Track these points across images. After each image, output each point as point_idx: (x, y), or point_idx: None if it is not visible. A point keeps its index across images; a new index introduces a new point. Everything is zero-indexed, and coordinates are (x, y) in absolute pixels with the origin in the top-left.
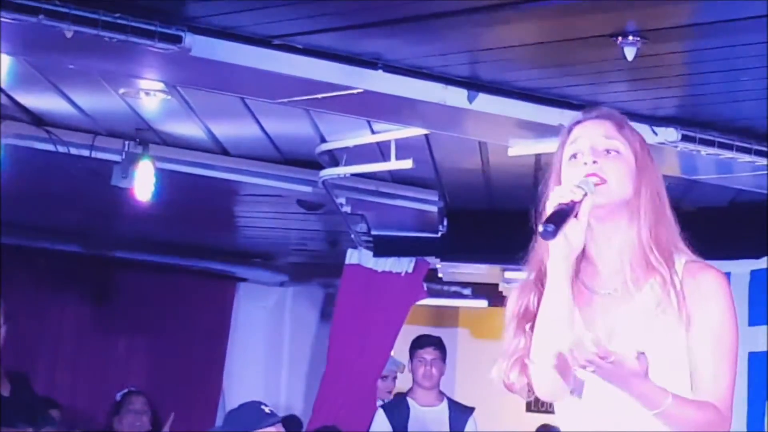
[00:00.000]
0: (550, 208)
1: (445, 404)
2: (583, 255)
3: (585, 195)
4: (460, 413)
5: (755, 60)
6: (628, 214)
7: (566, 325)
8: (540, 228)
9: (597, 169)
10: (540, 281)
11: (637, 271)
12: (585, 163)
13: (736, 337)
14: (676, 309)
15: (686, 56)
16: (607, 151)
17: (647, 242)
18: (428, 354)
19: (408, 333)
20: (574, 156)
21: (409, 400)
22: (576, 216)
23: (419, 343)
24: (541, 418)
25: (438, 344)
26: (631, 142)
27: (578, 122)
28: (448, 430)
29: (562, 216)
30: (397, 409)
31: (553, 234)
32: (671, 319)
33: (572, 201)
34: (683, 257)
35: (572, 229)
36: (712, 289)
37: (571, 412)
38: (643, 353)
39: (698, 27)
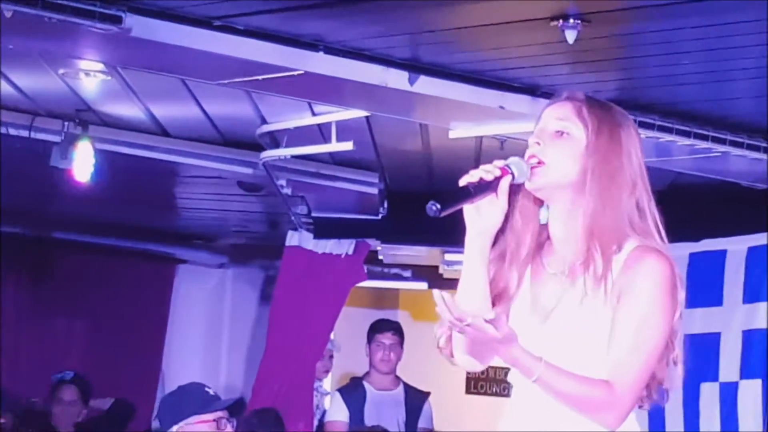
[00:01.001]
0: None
1: (401, 389)
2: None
3: (510, 174)
4: (416, 397)
5: (695, 43)
6: (573, 197)
7: (474, 298)
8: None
9: (537, 151)
10: (503, 256)
11: (579, 254)
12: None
13: (662, 328)
14: (606, 296)
15: (626, 39)
16: (558, 133)
17: (588, 228)
18: (387, 339)
19: (348, 315)
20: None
21: (366, 384)
22: (495, 194)
23: (378, 327)
24: (481, 400)
25: (397, 329)
26: (587, 124)
27: (547, 105)
28: (404, 414)
29: (458, 195)
30: (354, 393)
31: (438, 212)
32: (602, 305)
33: (482, 179)
34: (635, 242)
35: (489, 206)
36: (645, 274)
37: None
38: (493, 319)
39: (638, 10)
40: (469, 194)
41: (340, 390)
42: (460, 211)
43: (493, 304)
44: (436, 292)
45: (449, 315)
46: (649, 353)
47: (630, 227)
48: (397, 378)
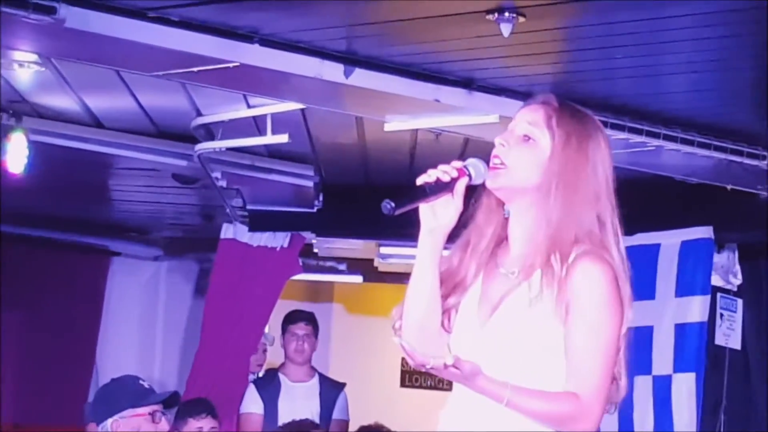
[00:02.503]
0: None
1: (316, 380)
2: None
3: (467, 175)
4: (330, 389)
5: (629, 38)
6: (533, 202)
7: (423, 295)
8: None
9: (501, 152)
10: (464, 249)
11: (532, 258)
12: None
13: (613, 331)
14: (555, 303)
15: (561, 33)
16: (524, 138)
17: (546, 234)
18: (300, 329)
19: (283, 308)
20: None
21: (281, 375)
22: (451, 194)
23: (291, 318)
24: (415, 393)
25: (310, 319)
26: (555, 132)
27: (523, 106)
28: (318, 405)
29: (413, 194)
30: (269, 385)
31: (392, 210)
32: (549, 310)
33: (438, 180)
34: (582, 248)
35: (444, 206)
36: (590, 281)
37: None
38: (455, 361)
39: (573, 4)
40: (425, 194)
41: (254, 382)
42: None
43: (450, 294)
44: (396, 339)
45: (411, 362)
46: (606, 358)
47: (588, 239)
48: (312, 369)
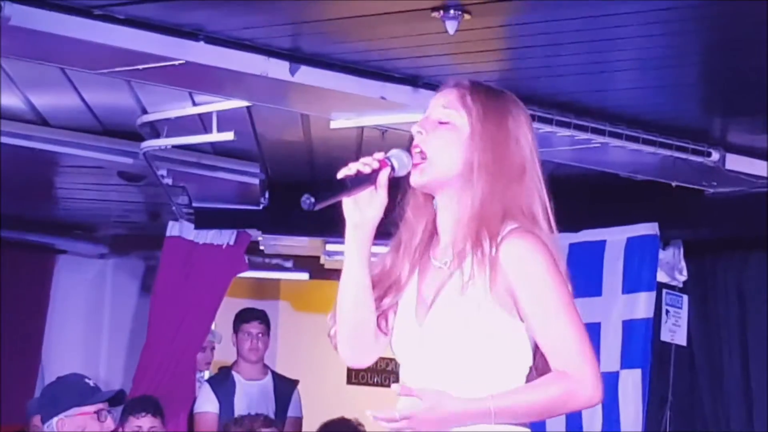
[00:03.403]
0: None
1: (269, 377)
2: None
3: (390, 167)
4: (284, 386)
5: (574, 35)
6: (459, 187)
7: (354, 292)
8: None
9: (420, 140)
10: (396, 249)
11: (461, 243)
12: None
13: (568, 296)
14: (487, 287)
15: (507, 31)
16: (440, 122)
17: (471, 214)
18: (254, 328)
19: (229, 305)
20: None
21: (235, 374)
22: (374, 187)
23: (244, 317)
24: (362, 390)
25: (263, 318)
26: (471, 112)
27: (436, 93)
28: (273, 403)
29: (334, 188)
30: (223, 384)
31: (312, 206)
32: (484, 294)
33: (359, 172)
34: (510, 226)
35: (367, 199)
36: (525, 257)
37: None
38: (407, 390)
39: (519, 2)
40: (346, 187)
41: (209, 381)
42: (339, 202)
43: (386, 295)
44: (369, 412)
45: (389, 427)
46: (573, 322)
47: (519, 214)
48: (266, 367)
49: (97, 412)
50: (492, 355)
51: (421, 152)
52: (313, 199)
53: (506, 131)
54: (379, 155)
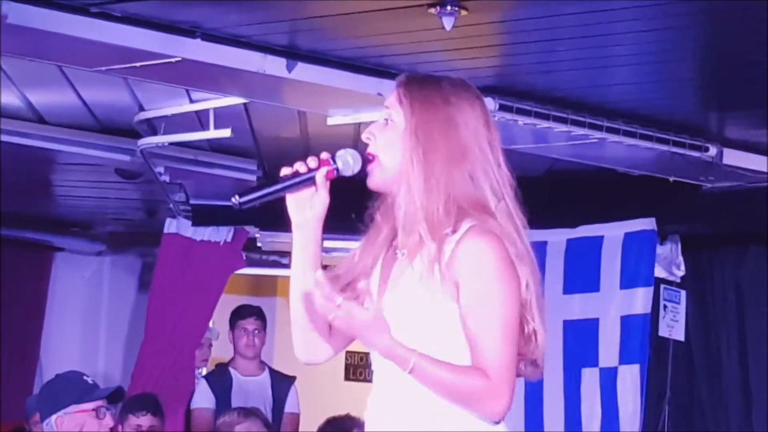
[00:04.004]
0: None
1: (266, 374)
2: None
3: (332, 166)
4: (281, 382)
5: (571, 30)
6: (404, 182)
7: (296, 291)
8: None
9: (370, 144)
10: (362, 246)
11: (408, 235)
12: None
13: (509, 304)
14: (440, 279)
15: (504, 26)
16: (384, 122)
17: (414, 211)
18: (250, 324)
19: (226, 302)
20: None
21: (232, 370)
22: (315, 186)
23: (240, 313)
24: (360, 387)
25: (259, 314)
26: (405, 106)
27: None
28: (270, 399)
29: (262, 187)
30: (220, 380)
31: (239, 205)
32: (436, 289)
33: (296, 171)
34: (469, 222)
35: (307, 198)
36: (476, 258)
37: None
38: (380, 310)
39: None
40: (275, 185)
41: (206, 377)
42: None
43: (346, 290)
44: (318, 272)
45: (320, 293)
46: (506, 332)
47: (462, 205)
48: (262, 363)
49: (96, 410)
50: (444, 347)
51: (371, 155)
52: (240, 199)
53: (441, 120)
54: (325, 155)
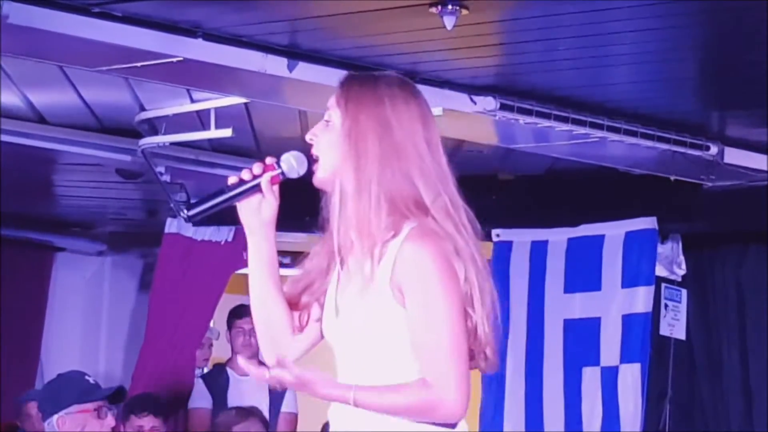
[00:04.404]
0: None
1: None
2: None
3: (276, 169)
4: None
5: (572, 29)
6: (337, 184)
7: (257, 299)
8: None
9: (314, 145)
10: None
11: (344, 241)
12: None
13: (450, 307)
14: (382, 287)
15: (504, 25)
16: (325, 123)
17: (346, 215)
18: (247, 324)
19: (228, 302)
20: None
21: (229, 370)
22: (261, 192)
23: (237, 312)
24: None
25: None
26: (341, 106)
27: None
28: (267, 398)
29: (209, 197)
30: (217, 380)
31: (188, 218)
32: (378, 296)
33: (241, 179)
34: (409, 225)
35: (255, 204)
36: (415, 263)
37: None
38: (278, 364)
39: None
40: (222, 194)
41: (203, 377)
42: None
43: (305, 292)
44: (240, 359)
45: (250, 372)
46: (449, 338)
47: (399, 206)
48: (260, 362)
49: (97, 409)
50: (398, 353)
51: (313, 155)
52: (187, 212)
53: (372, 121)
54: (269, 160)
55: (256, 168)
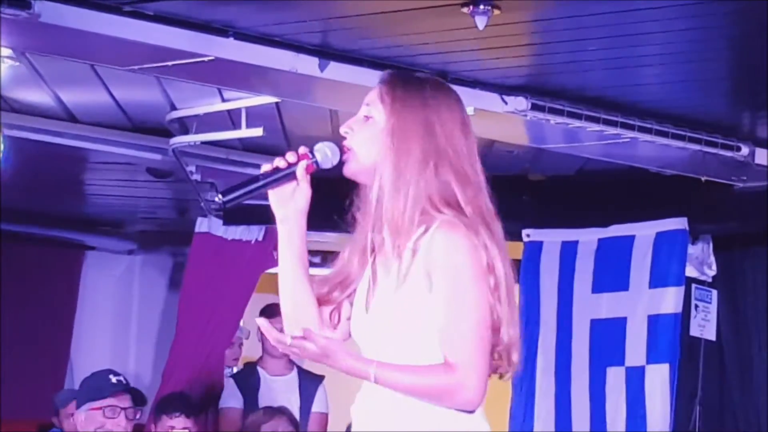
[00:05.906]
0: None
1: (294, 373)
2: None
3: (310, 159)
4: (310, 381)
5: (603, 30)
6: (376, 180)
7: (287, 288)
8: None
9: (348, 138)
10: (349, 245)
11: (383, 233)
12: None
13: (479, 298)
14: (413, 281)
15: (536, 26)
16: (365, 118)
17: (384, 210)
18: (278, 323)
19: (258, 301)
20: None
21: (260, 369)
22: (296, 181)
23: (269, 312)
24: None
25: None
26: (385, 104)
27: None
28: (298, 398)
29: (245, 184)
30: (248, 379)
31: (222, 204)
32: (414, 291)
33: (276, 167)
34: (441, 217)
35: (289, 193)
36: (446, 250)
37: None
38: (303, 336)
39: None
40: (257, 182)
41: (233, 376)
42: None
43: (336, 289)
44: (259, 320)
45: (270, 338)
46: (475, 324)
47: (433, 206)
48: (291, 362)
49: (104, 408)
50: (420, 339)
51: (347, 147)
52: (222, 198)
53: (417, 123)
54: (303, 149)
55: (291, 156)
